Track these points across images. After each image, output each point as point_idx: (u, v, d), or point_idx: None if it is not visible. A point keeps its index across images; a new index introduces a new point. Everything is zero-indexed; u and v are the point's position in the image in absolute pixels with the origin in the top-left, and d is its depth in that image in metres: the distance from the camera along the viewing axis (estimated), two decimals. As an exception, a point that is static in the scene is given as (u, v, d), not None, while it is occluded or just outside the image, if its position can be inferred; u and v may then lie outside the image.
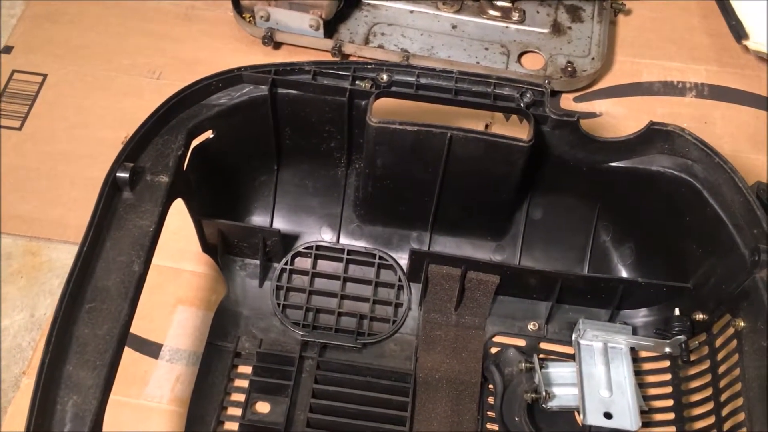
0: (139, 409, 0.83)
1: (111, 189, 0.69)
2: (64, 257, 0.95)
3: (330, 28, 1.10)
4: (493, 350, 0.87)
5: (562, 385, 0.83)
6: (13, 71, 1.09)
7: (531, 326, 0.89)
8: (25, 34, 1.14)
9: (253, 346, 0.86)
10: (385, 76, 0.81)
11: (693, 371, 0.83)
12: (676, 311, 0.83)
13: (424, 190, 0.86)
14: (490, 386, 0.85)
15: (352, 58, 1.09)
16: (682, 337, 0.82)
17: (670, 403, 0.84)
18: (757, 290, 0.72)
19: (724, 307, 0.78)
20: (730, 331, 0.77)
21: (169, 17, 1.16)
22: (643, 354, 0.87)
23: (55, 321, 0.61)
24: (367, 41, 1.10)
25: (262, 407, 0.83)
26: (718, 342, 0.80)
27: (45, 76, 1.09)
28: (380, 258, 0.91)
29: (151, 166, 0.72)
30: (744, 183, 0.75)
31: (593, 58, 1.09)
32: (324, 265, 0.92)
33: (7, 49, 1.11)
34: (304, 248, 0.92)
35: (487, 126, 1.04)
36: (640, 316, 0.88)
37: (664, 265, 0.86)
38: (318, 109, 0.83)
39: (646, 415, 0.83)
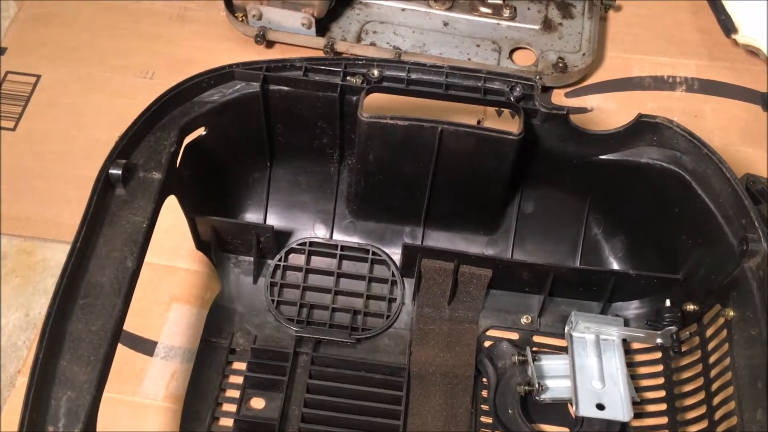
0: (134, 406, 0.83)
1: (104, 186, 0.69)
2: (58, 257, 0.95)
3: (322, 26, 1.10)
4: (487, 344, 0.88)
5: (554, 378, 0.84)
6: (7, 72, 1.10)
7: (524, 319, 0.89)
8: (19, 36, 1.14)
9: (248, 343, 0.86)
10: (375, 72, 0.81)
11: (684, 362, 0.84)
12: (667, 302, 0.84)
13: (416, 185, 0.86)
14: (484, 379, 0.85)
15: (344, 56, 1.10)
16: (673, 328, 0.82)
17: (662, 393, 0.84)
18: (745, 280, 0.72)
19: (714, 297, 0.78)
20: (720, 321, 0.77)
21: (161, 18, 1.16)
22: (635, 345, 0.88)
23: (49, 317, 0.61)
24: (359, 39, 1.11)
25: (257, 403, 0.83)
26: (709, 332, 0.80)
27: (39, 77, 1.10)
28: (373, 253, 0.92)
29: (144, 163, 0.72)
30: (732, 173, 0.76)
31: (584, 54, 1.10)
32: (317, 261, 0.92)
33: (1, 51, 1.12)
34: (298, 244, 0.92)
35: (479, 122, 1.05)
36: (632, 308, 0.89)
37: (654, 256, 0.87)
38: (309, 105, 0.83)
39: (638, 405, 0.83)
